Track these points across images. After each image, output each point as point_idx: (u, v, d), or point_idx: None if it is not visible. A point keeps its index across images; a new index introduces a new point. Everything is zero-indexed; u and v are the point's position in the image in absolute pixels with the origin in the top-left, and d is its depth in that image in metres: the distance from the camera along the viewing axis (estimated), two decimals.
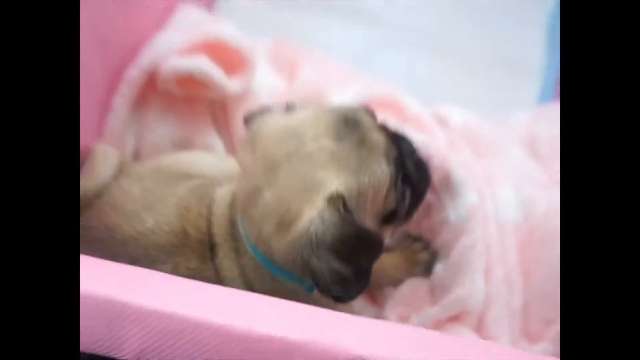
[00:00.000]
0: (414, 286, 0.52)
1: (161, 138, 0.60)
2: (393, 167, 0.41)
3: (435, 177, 0.53)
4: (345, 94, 0.63)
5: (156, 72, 0.56)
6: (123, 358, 0.24)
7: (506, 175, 0.58)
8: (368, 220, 0.39)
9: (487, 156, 0.61)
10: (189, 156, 0.57)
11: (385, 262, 0.55)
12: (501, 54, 0.82)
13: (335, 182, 0.37)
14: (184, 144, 0.61)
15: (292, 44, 0.72)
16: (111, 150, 0.53)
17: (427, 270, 0.54)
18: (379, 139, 0.41)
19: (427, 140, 0.55)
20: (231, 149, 0.64)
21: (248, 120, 0.46)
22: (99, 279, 0.26)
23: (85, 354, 0.27)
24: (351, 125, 0.41)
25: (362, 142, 0.40)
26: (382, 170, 0.40)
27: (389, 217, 0.42)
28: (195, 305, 0.24)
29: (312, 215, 0.36)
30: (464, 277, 0.48)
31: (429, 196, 0.54)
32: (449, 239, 0.51)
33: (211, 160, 0.57)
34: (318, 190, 0.37)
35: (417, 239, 0.56)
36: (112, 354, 0.24)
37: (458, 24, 0.85)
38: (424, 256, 0.55)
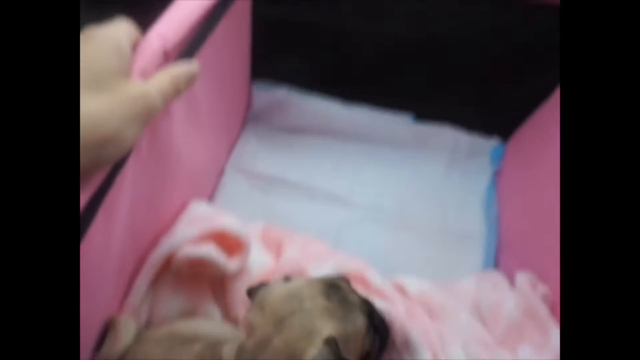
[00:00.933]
0: None
1: (171, 310, 0.72)
2: (367, 319, 0.58)
3: (397, 338, 0.66)
4: (321, 269, 0.77)
5: (171, 257, 0.72)
6: None
7: (456, 337, 0.72)
8: (351, 358, 0.53)
9: (440, 320, 0.75)
10: (194, 323, 0.70)
11: None
12: (449, 226, 1.02)
13: (329, 328, 0.52)
14: (188, 314, 0.74)
15: (277, 228, 0.89)
16: (130, 320, 0.66)
17: None
18: (355, 298, 0.59)
19: (389, 307, 0.69)
20: (226, 316, 0.77)
21: (250, 292, 0.62)
22: None
23: None
24: (335, 288, 0.57)
25: (344, 300, 0.56)
26: (360, 321, 0.56)
27: (364, 358, 0.58)
28: None
29: (314, 354, 0.50)
30: None
31: (393, 355, 0.66)
32: None
33: (212, 326, 0.70)
34: (317, 334, 0.51)
35: None
36: None
37: (412, 203, 1.05)
38: None
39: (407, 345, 0.66)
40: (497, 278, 0.84)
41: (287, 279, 0.61)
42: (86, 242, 0.53)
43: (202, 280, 0.77)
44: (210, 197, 1.00)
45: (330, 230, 0.98)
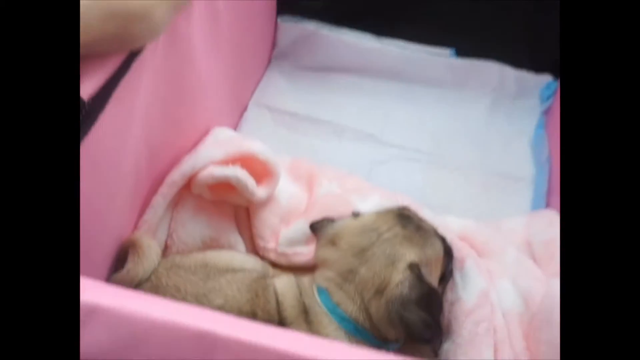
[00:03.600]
0: None
1: (192, 236, 0.70)
2: (442, 243, 0.61)
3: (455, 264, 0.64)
4: (366, 203, 0.74)
5: (193, 179, 0.69)
6: None
7: (503, 271, 0.68)
8: (432, 282, 0.56)
9: (484, 256, 0.71)
10: (226, 254, 0.69)
11: None
12: (493, 167, 0.96)
13: (411, 254, 0.56)
14: (211, 243, 0.71)
15: (306, 161, 0.86)
16: (154, 243, 0.64)
17: (433, 351, 0.61)
18: (428, 225, 0.62)
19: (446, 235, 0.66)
20: (251, 249, 0.74)
21: (315, 227, 0.67)
22: (192, 315, 0.33)
23: None
24: (407, 218, 0.61)
25: (419, 227, 0.60)
26: (438, 245, 0.60)
27: (441, 280, 0.61)
28: (281, 340, 0.31)
29: (400, 279, 0.53)
30: (472, 349, 0.55)
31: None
32: (459, 317, 0.59)
33: (243, 258, 0.70)
34: (400, 261, 0.55)
35: None
36: None
37: (450, 144, 1.00)
38: None
39: (462, 268, 0.64)
40: (552, 215, 0.79)
41: (355, 214, 0.65)
42: (98, 128, 0.49)
43: (225, 208, 0.74)
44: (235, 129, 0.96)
45: (361, 169, 0.94)
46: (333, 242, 0.60)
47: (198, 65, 0.72)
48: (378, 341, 0.55)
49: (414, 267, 0.54)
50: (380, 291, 0.54)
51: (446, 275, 0.62)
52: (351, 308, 0.55)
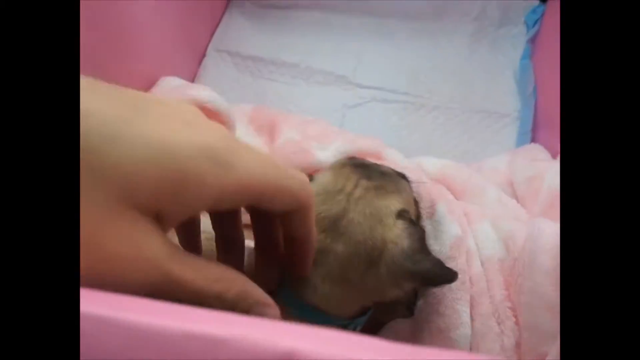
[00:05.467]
0: (397, 327, 0.54)
1: None
2: (408, 184, 0.53)
3: (424, 209, 0.57)
4: (326, 151, 0.67)
5: None
6: None
7: (483, 213, 0.62)
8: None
9: (463, 198, 0.66)
10: None
11: None
12: (475, 105, 0.89)
13: (394, 202, 0.46)
14: None
15: (269, 109, 0.79)
16: None
17: (408, 309, 0.56)
18: (386, 167, 0.53)
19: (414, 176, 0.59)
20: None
21: None
22: None
23: None
24: (365, 166, 0.51)
25: (383, 173, 0.50)
26: (408, 186, 0.52)
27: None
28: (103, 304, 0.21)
29: (396, 234, 0.44)
30: (445, 307, 0.50)
31: None
32: None
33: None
34: (386, 214, 0.45)
35: None
36: None
37: (430, 81, 0.93)
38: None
39: (433, 214, 0.57)
40: (537, 149, 0.73)
41: (310, 178, 0.52)
42: None
43: None
44: (190, 81, 0.88)
45: (333, 114, 0.87)
46: None
47: (130, 5, 0.64)
48: (331, 319, 0.45)
49: (403, 214, 0.45)
50: (374, 260, 0.43)
51: (418, 219, 0.55)
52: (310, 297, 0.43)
